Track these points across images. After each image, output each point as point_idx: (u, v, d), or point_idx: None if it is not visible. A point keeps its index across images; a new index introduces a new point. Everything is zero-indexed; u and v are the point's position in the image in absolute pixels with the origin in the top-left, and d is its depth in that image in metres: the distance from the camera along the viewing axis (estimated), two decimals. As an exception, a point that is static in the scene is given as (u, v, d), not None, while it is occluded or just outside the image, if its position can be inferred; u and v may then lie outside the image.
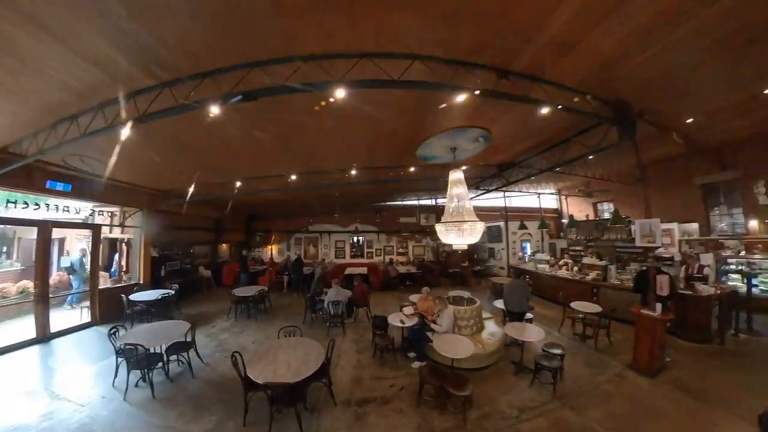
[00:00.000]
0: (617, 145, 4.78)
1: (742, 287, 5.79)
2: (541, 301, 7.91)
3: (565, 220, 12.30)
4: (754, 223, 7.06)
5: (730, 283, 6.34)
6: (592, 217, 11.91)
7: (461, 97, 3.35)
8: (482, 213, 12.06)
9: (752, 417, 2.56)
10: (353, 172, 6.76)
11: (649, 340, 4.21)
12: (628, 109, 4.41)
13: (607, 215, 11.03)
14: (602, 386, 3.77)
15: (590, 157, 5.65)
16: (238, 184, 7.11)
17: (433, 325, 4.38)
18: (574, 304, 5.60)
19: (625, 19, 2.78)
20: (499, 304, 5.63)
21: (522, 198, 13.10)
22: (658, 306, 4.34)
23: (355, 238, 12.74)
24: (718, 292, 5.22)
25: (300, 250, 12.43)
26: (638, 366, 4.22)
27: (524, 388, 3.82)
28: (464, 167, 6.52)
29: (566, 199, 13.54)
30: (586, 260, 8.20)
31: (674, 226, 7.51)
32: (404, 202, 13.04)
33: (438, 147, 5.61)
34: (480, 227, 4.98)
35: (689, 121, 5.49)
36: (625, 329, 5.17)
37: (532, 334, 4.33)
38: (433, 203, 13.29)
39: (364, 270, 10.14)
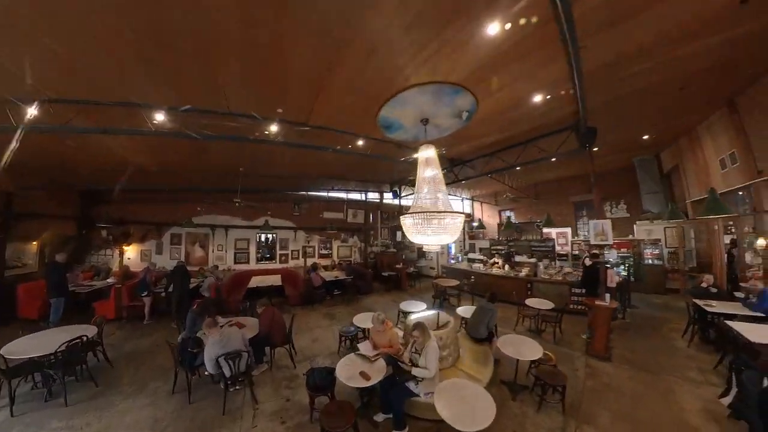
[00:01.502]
0: (576, 151, 5.33)
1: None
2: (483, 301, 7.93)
3: (475, 223, 13.56)
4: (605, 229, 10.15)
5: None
6: (497, 221, 13.79)
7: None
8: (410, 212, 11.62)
9: (680, 373, 3.92)
10: (274, 127, 4.57)
11: (605, 328, 4.53)
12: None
13: (513, 220, 12.96)
14: (587, 383, 3.79)
15: (553, 159, 6.16)
16: (33, 110, 3.57)
17: (415, 370, 2.96)
18: (529, 301, 5.65)
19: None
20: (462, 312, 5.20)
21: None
22: (607, 296, 4.70)
23: (264, 236, 9.97)
24: (619, 279, 6.14)
25: (180, 254, 8.67)
26: (596, 352, 4.49)
27: (532, 415, 3.19)
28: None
29: (482, 205, 14.96)
30: (518, 258, 8.50)
31: (568, 230, 9.90)
32: (330, 194, 11.06)
33: (407, 114, 4.44)
34: (460, 223, 3.73)
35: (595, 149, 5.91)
36: (565, 319, 5.42)
37: (532, 349, 3.55)
38: (363, 198, 11.91)
39: (276, 279, 7.86)
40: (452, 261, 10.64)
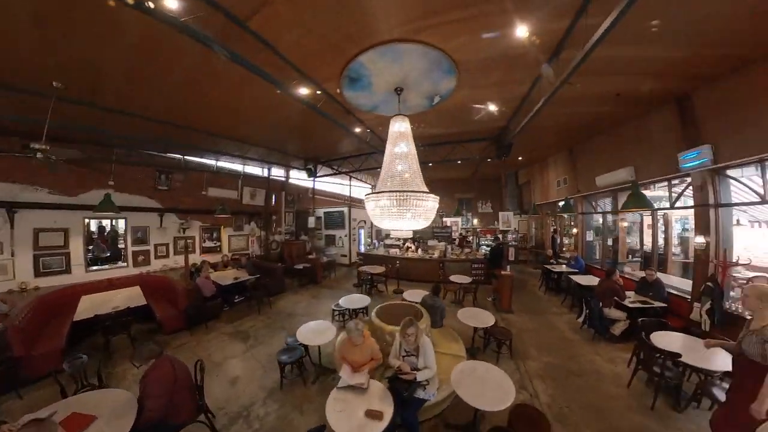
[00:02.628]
0: (491, 158, 7.08)
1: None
2: (412, 284, 8.07)
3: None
4: (475, 221, 13.26)
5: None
6: None
7: None
8: (321, 198, 11.26)
9: (548, 310, 6.07)
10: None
11: (508, 290, 6.17)
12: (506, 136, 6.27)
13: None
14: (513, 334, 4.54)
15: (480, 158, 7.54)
16: None
17: (420, 375, 2.61)
18: (453, 278, 6.89)
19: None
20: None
21: (337, 186, 13.45)
22: (509, 268, 6.51)
23: (104, 223, 6.81)
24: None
25: None
26: (504, 308, 6.13)
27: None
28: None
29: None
30: (431, 242, 9.99)
31: (459, 219, 12.72)
32: (220, 163, 8.45)
33: (383, 73, 3.82)
34: (434, 206, 3.59)
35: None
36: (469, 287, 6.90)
37: (487, 318, 4.24)
38: (265, 174, 10.05)
39: (133, 296, 5.17)
40: (367, 247, 11.07)
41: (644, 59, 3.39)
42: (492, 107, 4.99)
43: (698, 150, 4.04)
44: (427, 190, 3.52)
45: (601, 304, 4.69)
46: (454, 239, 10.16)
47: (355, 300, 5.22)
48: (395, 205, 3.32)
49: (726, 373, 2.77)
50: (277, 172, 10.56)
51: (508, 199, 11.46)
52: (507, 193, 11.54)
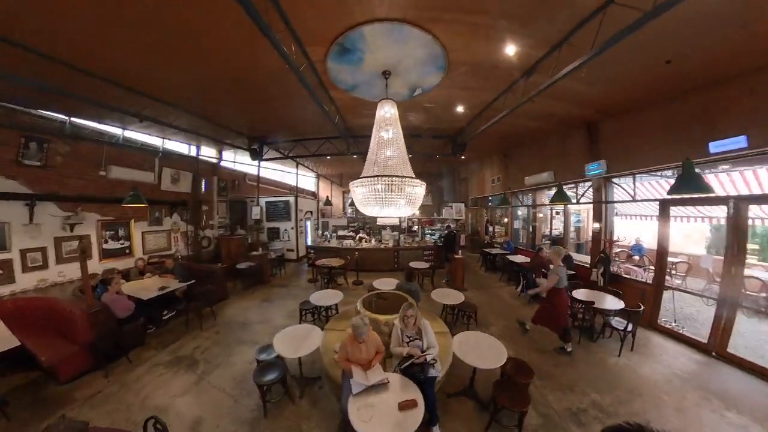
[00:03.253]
0: (447, 155, 8.22)
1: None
2: (370, 275, 8.19)
3: (320, 201, 14.11)
4: (417, 212, 15.33)
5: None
6: (341, 201, 15.69)
7: None
8: (265, 186, 10.92)
9: (493, 285, 7.55)
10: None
11: (461, 271, 7.28)
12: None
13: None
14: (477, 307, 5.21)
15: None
16: None
17: (429, 354, 2.74)
18: (413, 264, 7.45)
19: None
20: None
21: (277, 173, 12.70)
22: (460, 251, 7.68)
23: None
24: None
25: None
26: (459, 287, 6.98)
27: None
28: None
29: (331, 184, 15.84)
30: (385, 233, 10.41)
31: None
32: (128, 133, 6.48)
33: (376, 54, 3.74)
34: (422, 192, 3.71)
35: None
36: (420, 273, 7.56)
37: (457, 296, 4.98)
38: (192, 153, 8.48)
39: None
40: (318, 240, 10.68)
41: (576, 92, 4.69)
42: (459, 108, 5.79)
43: (598, 163, 5.80)
44: (412, 175, 3.68)
45: (533, 275, 6.22)
46: (405, 229, 11.06)
47: (327, 296, 4.99)
48: (387, 191, 3.35)
49: (617, 312, 4.31)
50: (208, 152, 9.01)
51: (449, 193, 13.05)
52: (446, 187, 13.10)
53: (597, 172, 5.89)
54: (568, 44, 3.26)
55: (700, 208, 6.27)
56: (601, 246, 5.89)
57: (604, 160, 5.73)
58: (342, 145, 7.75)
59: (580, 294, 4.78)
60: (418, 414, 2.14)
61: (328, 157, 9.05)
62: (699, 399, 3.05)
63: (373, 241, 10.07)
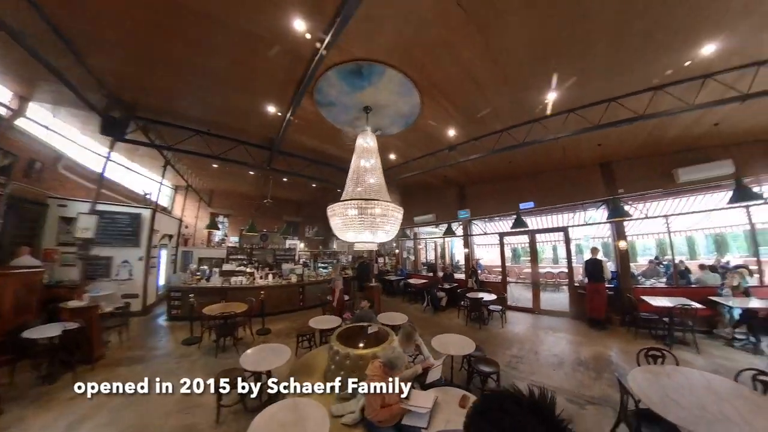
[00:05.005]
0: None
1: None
2: (275, 319, 7.31)
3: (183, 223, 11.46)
4: (302, 245, 14.68)
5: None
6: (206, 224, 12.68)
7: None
8: (83, 185, 7.57)
9: (402, 302, 9.24)
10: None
11: (378, 296, 9.08)
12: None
13: (226, 226, 13.53)
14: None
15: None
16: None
17: (437, 361, 3.01)
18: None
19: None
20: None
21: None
22: (374, 280, 9.52)
23: None
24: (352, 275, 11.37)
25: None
26: (378, 312, 8.68)
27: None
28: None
29: (199, 201, 12.59)
30: (286, 267, 10.08)
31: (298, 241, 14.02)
32: None
33: (343, 93, 4.60)
34: (397, 216, 4.10)
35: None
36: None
37: (402, 317, 5.41)
38: None
39: None
40: (187, 278, 7.85)
41: (462, 167, 7.93)
42: (392, 156, 7.75)
43: (466, 210, 9.46)
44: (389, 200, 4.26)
45: (435, 290, 8.79)
46: (307, 262, 11.34)
47: (271, 352, 3.44)
48: (381, 216, 3.80)
49: (491, 301, 7.33)
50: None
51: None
52: None
53: (465, 215, 9.53)
54: (480, 140, 6.12)
55: (518, 237, 11.36)
56: (471, 264, 9.37)
57: (469, 209, 9.46)
58: (261, 156, 7.22)
59: (470, 294, 7.60)
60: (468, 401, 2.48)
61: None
62: (542, 333, 6.19)
63: (271, 276, 9.63)
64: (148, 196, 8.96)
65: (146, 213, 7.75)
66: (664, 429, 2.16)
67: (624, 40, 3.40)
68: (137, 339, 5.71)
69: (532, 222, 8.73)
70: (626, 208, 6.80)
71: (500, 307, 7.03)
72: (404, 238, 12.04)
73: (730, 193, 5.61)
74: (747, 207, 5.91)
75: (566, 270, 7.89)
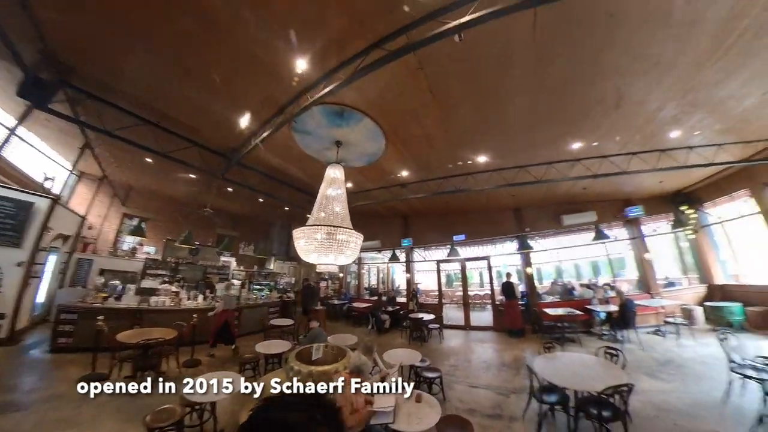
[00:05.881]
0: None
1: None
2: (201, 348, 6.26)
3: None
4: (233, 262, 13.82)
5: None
6: (116, 226, 10.77)
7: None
8: None
9: (348, 330, 9.60)
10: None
11: (324, 317, 9.49)
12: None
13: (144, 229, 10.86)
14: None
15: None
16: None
17: (393, 369, 3.33)
18: (275, 321, 7.72)
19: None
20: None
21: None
22: (319, 304, 9.95)
23: None
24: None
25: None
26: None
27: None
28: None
29: (112, 197, 10.46)
30: (220, 287, 9.44)
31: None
32: None
33: (321, 127, 5.32)
34: (358, 242, 4.70)
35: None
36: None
37: (352, 338, 5.84)
38: None
39: None
40: (87, 295, 6.64)
41: (407, 201, 9.21)
42: (349, 184, 8.48)
43: (409, 239, 10.69)
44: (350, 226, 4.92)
45: (379, 312, 9.53)
46: (243, 282, 10.81)
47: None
48: (334, 241, 4.25)
49: (430, 321, 8.42)
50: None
51: (278, 246, 14.15)
52: (277, 239, 14.20)
53: (407, 244, 10.74)
54: (426, 183, 7.46)
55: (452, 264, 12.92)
56: (412, 288, 10.47)
57: (412, 238, 10.73)
58: (214, 162, 6.72)
59: (412, 315, 8.58)
60: (428, 396, 3.02)
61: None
62: (473, 345, 7.44)
63: (201, 297, 8.18)
64: (48, 183, 7.17)
65: (41, 204, 6.28)
66: (555, 393, 3.32)
67: (530, 130, 5.15)
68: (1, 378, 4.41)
69: (463, 251, 10.41)
70: (531, 242, 8.93)
71: (438, 326, 8.15)
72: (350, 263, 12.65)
73: (593, 234, 8.11)
74: (603, 243, 8.53)
75: (489, 291, 9.62)
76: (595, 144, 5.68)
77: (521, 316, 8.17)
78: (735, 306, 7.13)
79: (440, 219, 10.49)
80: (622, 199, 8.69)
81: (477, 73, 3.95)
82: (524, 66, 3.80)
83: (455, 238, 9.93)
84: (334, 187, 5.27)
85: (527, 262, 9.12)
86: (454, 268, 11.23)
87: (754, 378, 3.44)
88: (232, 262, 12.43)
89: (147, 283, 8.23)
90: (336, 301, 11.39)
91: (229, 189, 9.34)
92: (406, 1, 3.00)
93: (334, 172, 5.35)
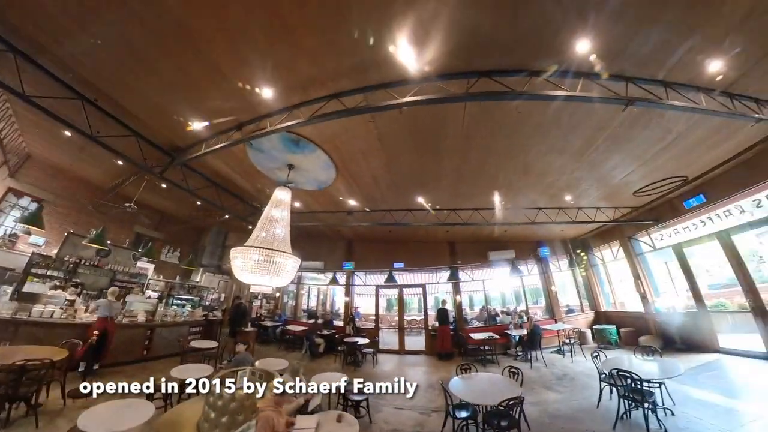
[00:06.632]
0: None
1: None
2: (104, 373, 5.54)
3: None
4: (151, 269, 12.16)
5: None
6: None
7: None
8: None
9: (280, 354, 9.56)
10: None
11: (253, 344, 9.20)
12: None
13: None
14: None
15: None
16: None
17: (314, 392, 3.61)
18: (196, 344, 6.76)
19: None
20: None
21: None
22: (249, 325, 9.64)
23: None
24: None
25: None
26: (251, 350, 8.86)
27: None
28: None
29: None
30: (132, 298, 8.02)
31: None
32: None
33: (276, 149, 5.66)
34: (295, 266, 4.86)
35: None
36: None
37: (279, 364, 5.41)
38: None
39: None
40: None
41: (352, 227, 9.64)
42: (297, 204, 8.64)
43: (351, 262, 10.99)
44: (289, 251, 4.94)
45: (314, 336, 9.43)
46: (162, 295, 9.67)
47: (127, 408, 3.04)
48: (271, 263, 4.36)
49: (365, 345, 8.68)
50: None
51: (209, 256, 12.73)
52: (209, 249, 12.77)
53: (349, 267, 11.01)
54: (371, 213, 8.00)
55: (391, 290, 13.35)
56: (350, 312, 10.63)
57: (354, 261, 11.04)
58: (153, 157, 6.07)
59: (347, 339, 8.73)
60: (349, 416, 3.41)
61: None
62: (406, 367, 7.86)
63: (100, 308, 5.99)
64: None
65: None
66: (467, 409, 3.87)
67: (459, 183, 6.23)
68: None
69: (402, 278, 11.06)
70: (462, 273, 10.01)
71: (372, 350, 8.43)
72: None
73: (509, 269, 9.50)
74: (520, 277, 9.99)
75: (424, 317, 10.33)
76: (507, 201, 7.08)
77: (451, 340, 8.94)
78: (612, 328, 8.97)
79: (382, 245, 11.07)
80: (535, 241, 10.63)
81: (418, 134, 4.84)
82: (455, 137, 4.87)
83: (395, 264, 10.55)
84: (279, 209, 5.39)
85: (457, 291, 10.13)
86: (394, 293, 11.78)
87: (614, 385, 4.41)
88: (150, 270, 10.96)
89: (31, 287, 6.89)
90: (269, 323, 10.90)
91: (163, 185, 7.90)
92: (371, 69, 3.57)
93: (282, 195, 5.49)
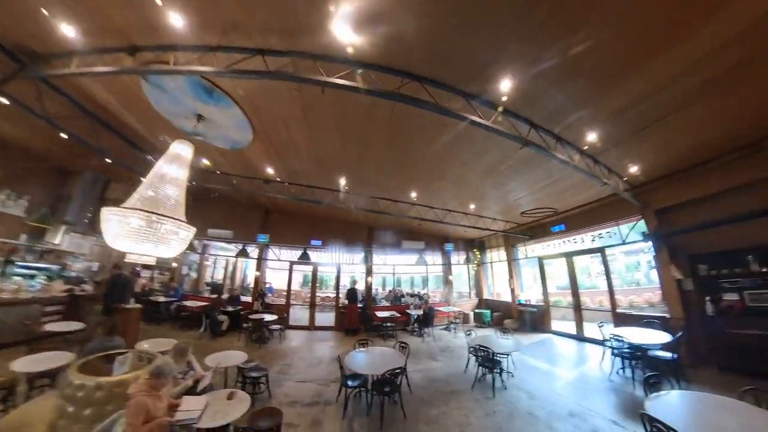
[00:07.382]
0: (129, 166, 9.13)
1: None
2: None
3: None
4: None
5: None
6: None
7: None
8: None
9: (173, 334, 9.24)
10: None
11: (136, 324, 7.39)
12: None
13: None
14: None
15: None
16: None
17: (208, 374, 3.72)
18: (53, 327, 5.84)
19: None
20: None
21: None
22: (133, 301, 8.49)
23: None
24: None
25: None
26: (131, 344, 7.77)
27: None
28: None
29: None
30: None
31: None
32: None
33: (183, 92, 4.87)
34: (188, 235, 4.05)
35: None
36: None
37: (169, 343, 4.71)
38: None
39: None
40: None
41: (271, 196, 9.34)
42: (205, 160, 7.75)
43: (265, 235, 10.61)
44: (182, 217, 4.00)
45: (216, 313, 8.93)
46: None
47: None
48: (157, 230, 3.53)
49: (273, 321, 8.73)
50: None
51: (78, 211, 9.42)
52: (78, 202, 9.43)
53: (263, 240, 10.62)
54: (292, 186, 7.91)
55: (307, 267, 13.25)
56: (260, 287, 10.38)
57: (269, 234, 10.68)
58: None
59: (253, 316, 8.60)
60: (241, 393, 3.36)
61: None
62: (312, 343, 8.25)
63: None
64: None
65: None
66: (359, 378, 4.45)
67: (382, 174, 6.88)
68: None
69: (319, 256, 11.25)
70: (376, 257, 10.79)
71: (280, 327, 8.54)
72: (189, 251, 11.13)
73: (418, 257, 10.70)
74: (425, 265, 11.34)
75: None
76: (423, 199, 8.05)
77: (358, 317, 9.68)
78: (487, 312, 11.13)
79: (303, 219, 11.00)
80: (443, 236, 12.31)
81: (345, 117, 4.91)
82: (381, 131, 5.15)
83: (312, 242, 10.66)
84: (175, 165, 4.31)
85: (368, 272, 10.90)
86: (310, 269, 11.91)
87: (476, 356, 5.61)
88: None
89: None
90: (162, 298, 9.72)
91: (3, 101, 5.04)
92: (305, 33, 3.41)
93: (181, 149, 4.48)
